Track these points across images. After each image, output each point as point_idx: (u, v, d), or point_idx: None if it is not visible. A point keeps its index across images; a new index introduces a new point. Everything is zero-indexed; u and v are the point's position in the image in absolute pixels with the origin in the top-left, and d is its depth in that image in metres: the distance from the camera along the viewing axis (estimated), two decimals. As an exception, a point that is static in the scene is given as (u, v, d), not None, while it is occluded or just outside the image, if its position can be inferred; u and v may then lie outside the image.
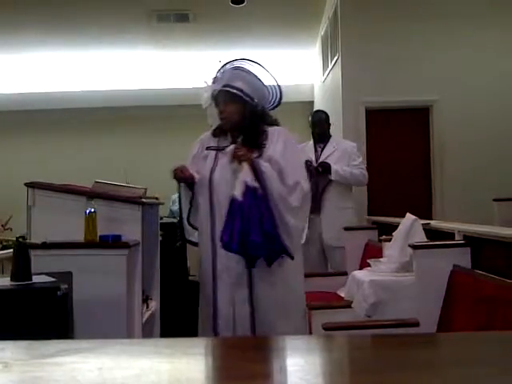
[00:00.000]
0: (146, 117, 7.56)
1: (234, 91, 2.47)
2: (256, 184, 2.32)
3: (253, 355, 0.68)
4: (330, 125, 4.52)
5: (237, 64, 2.57)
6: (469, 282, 2.16)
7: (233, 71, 2.55)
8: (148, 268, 2.97)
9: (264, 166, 2.38)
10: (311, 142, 4.50)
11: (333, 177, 4.18)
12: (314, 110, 4.82)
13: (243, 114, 2.49)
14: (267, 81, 2.60)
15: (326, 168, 4.20)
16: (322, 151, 4.38)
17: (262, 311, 2.44)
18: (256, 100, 2.52)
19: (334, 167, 4.19)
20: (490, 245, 2.24)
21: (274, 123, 2.60)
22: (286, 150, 2.44)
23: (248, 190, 2.29)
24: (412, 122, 5.54)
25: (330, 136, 4.47)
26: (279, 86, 2.64)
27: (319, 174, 4.19)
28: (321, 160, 4.30)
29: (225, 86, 2.50)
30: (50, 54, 7.08)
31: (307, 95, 7.61)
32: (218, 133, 2.59)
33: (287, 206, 2.35)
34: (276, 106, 2.70)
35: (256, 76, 2.56)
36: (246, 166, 2.35)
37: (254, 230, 2.27)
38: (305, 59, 7.55)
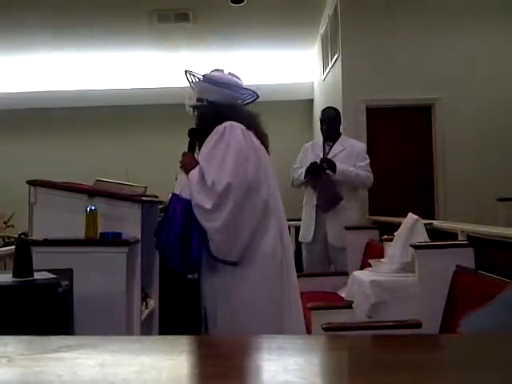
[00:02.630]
0: (146, 116, 7.57)
1: (187, 108, 2.58)
2: (177, 191, 2.39)
3: (254, 354, 0.67)
4: (340, 123, 4.48)
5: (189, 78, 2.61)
6: (472, 283, 2.15)
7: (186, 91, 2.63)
8: (147, 266, 2.97)
9: (191, 172, 2.39)
10: (321, 140, 4.46)
11: (337, 175, 4.15)
12: (325, 106, 4.78)
13: (199, 119, 2.55)
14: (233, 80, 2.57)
15: (330, 165, 4.17)
16: (330, 149, 4.34)
17: (209, 322, 2.42)
18: (207, 99, 2.52)
19: (339, 166, 4.16)
20: (494, 245, 2.23)
21: (240, 117, 2.47)
22: (214, 149, 2.36)
23: (172, 196, 2.41)
24: (414, 121, 5.52)
25: (339, 134, 4.43)
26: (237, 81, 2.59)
27: (323, 170, 4.16)
28: (329, 157, 4.26)
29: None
30: (51, 53, 7.08)
31: (307, 94, 7.62)
32: None
33: (203, 211, 2.30)
34: (253, 99, 2.62)
35: (210, 78, 2.55)
36: (181, 174, 2.45)
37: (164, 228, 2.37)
38: (304, 58, 7.55)
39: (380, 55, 5.44)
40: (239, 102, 2.60)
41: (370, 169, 4.30)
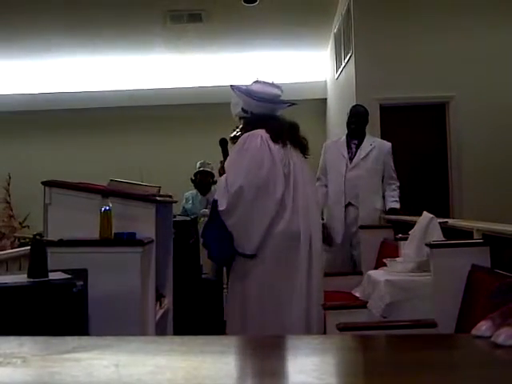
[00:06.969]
0: (160, 116, 7.60)
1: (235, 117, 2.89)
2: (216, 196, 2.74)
3: (269, 354, 0.67)
4: (367, 122, 4.42)
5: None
6: (488, 282, 2.12)
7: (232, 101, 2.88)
8: (161, 266, 2.98)
9: (220, 179, 2.76)
10: (344, 138, 4.39)
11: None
12: (355, 103, 4.79)
13: (244, 127, 2.84)
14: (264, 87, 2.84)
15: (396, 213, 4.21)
16: (357, 148, 4.28)
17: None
18: (252, 111, 2.79)
19: (395, 207, 4.21)
20: (511, 244, 2.20)
21: (278, 127, 2.76)
22: (236, 156, 2.69)
23: (213, 201, 2.76)
24: (428, 119, 5.48)
25: (364, 133, 4.37)
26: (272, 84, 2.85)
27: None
28: (356, 158, 4.23)
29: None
30: (63, 55, 7.14)
31: (320, 93, 7.60)
32: None
33: (221, 213, 2.61)
34: (289, 103, 2.90)
35: (254, 94, 2.78)
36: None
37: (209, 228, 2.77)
38: (317, 57, 7.53)
39: (393, 53, 5.41)
40: (278, 110, 2.89)
41: (396, 176, 4.32)
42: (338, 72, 6.48)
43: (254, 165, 2.62)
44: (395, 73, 5.39)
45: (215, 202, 2.69)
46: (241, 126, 2.86)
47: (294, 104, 2.89)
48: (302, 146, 2.83)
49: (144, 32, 6.60)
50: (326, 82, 7.62)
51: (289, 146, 2.73)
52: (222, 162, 2.86)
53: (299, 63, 7.47)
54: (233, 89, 2.82)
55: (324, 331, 2.70)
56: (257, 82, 2.84)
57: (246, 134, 2.71)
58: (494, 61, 5.39)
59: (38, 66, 7.44)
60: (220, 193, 2.66)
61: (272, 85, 2.84)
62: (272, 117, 2.81)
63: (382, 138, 5.20)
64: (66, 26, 6.38)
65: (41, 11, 6.04)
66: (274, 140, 2.68)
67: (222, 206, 2.60)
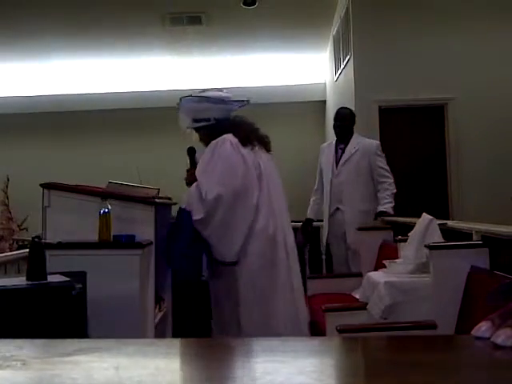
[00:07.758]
0: (159, 118, 7.60)
1: (186, 130, 2.86)
2: (183, 204, 2.64)
3: (269, 356, 0.67)
4: (354, 123, 4.40)
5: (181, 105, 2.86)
6: (487, 284, 2.13)
7: (180, 115, 2.87)
8: (160, 268, 2.98)
9: (191, 187, 2.65)
10: (333, 142, 4.40)
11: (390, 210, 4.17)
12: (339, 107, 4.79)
13: (205, 137, 2.77)
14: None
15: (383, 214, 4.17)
16: (342, 153, 4.28)
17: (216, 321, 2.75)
18: (214, 117, 2.74)
19: (385, 208, 4.15)
20: (509, 245, 2.21)
21: (241, 127, 2.72)
22: (207, 163, 2.62)
23: (180, 209, 2.68)
24: (427, 121, 5.50)
25: (351, 134, 4.35)
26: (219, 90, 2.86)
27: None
28: (340, 164, 4.23)
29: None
30: (64, 58, 7.15)
31: (319, 95, 7.61)
32: None
33: (198, 222, 2.54)
34: (244, 105, 2.84)
35: (211, 98, 2.76)
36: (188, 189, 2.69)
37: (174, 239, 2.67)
38: (316, 59, 7.54)
39: (392, 56, 5.42)
40: (233, 112, 2.83)
41: (389, 174, 4.25)
42: (337, 74, 6.49)
43: (229, 171, 2.58)
44: (394, 75, 5.40)
45: (183, 211, 2.59)
46: (198, 139, 2.82)
47: (247, 102, 2.83)
48: (266, 144, 2.79)
49: (144, 34, 6.61)
50: (325, 84, 7.63)
51: (257, 147, 2.71)
52: (189, 171, 2.78)
53: (298, 65, 7.48)
54: (184, 101, 2.81)
55: (324, 333, 2.70)
56: (205, 90, 2.85)
57: (214, 141, 2.65)
58: (493, 63, 5.40)
59: (37, 69, 7.45)
60: (193, 202, 2.56)
61: (219, 89, 2.85)
62: (237, 121, 2.77)
63: (380, 139, 5.20)
64: (66, 29, 6.39)
65: (41, 14, 6.05)
66: (244, 144, 2.64)
67: (197, 215, 2.52)
